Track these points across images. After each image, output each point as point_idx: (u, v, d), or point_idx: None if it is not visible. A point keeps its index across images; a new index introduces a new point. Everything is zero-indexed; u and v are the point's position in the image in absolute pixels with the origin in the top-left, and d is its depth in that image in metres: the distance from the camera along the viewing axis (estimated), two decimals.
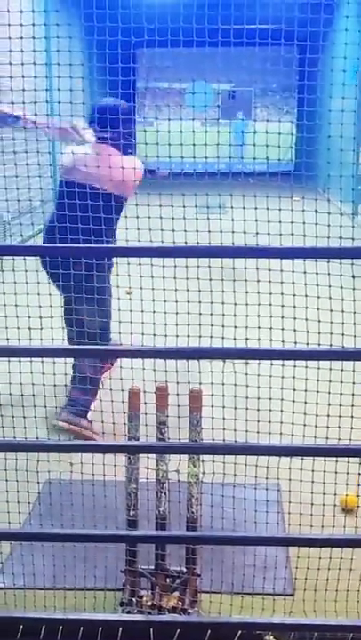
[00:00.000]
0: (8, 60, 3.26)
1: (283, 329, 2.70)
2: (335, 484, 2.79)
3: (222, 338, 2.73)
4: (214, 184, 3.21)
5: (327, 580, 2.82)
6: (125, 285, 3.29)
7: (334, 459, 2.75)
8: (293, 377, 2.80)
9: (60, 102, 3.86)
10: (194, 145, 3.26)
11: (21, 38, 3.27)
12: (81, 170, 4.15)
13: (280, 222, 2.77)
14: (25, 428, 3.12)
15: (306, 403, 2.78)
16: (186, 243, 2.62)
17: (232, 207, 2.93)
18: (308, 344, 2.63)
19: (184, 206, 2.95)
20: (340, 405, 2.75)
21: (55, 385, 3.35)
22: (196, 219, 3.03)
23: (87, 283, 3.57)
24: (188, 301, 2.75)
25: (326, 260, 2.55)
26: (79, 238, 3.36)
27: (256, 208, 2.83)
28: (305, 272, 2.69)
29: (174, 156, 3.47)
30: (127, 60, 4.05)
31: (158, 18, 3.27)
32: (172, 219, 2.91)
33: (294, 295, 2.74)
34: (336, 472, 2.76)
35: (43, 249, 3.78)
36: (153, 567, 2.91)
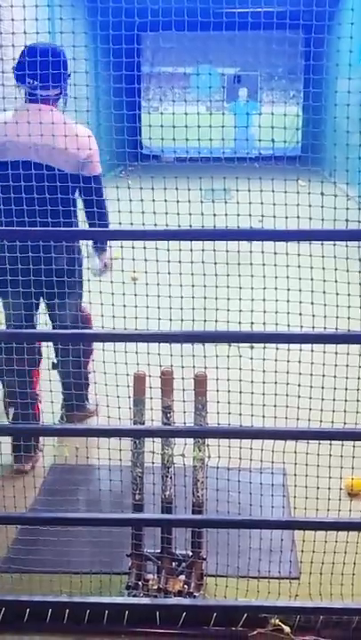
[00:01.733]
0: (11, 42, 3.23)
1: (288, 312, 2.69)
2: (341, 467, 2.78)
3: (227, 322, 2.71)
4: (219, 167, 3.19)
5: (333, 563, 2.82)
6: (130, 270, 3.27)
7: (340, 443, 2.74)
8: (299, 361, 2.79)
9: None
10: (198, 127, 3.23)
11: (24, 20, 3.23)
12: (21, 144, 3.31)
13: (286, 205, 2.75)
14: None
15: (312, 387, 2.76)
16: (191, 226, 2.61)
17: (237, 190, 2.91)
18: (313, 327, 2.62)
19: (189, 189, 2.93)
20: (346, 389, 2.74)
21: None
22: (201, 202, 3.01)
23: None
24: (193, 285, 2.73)
25: (332, 243, 2.54)
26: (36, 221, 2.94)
27: (261, 191, 2.80)
28: (311, 255, 2.67)
29: (179, 139, 3.44)
30: (131, 41, 4.01)
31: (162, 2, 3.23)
32: (177, 202, 2.88)
33: (300, 279, 2.72)
34: (342, 456, 2.76)
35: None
36: (159, 551, 2.92)
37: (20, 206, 3.01)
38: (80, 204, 3.75)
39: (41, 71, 3.29)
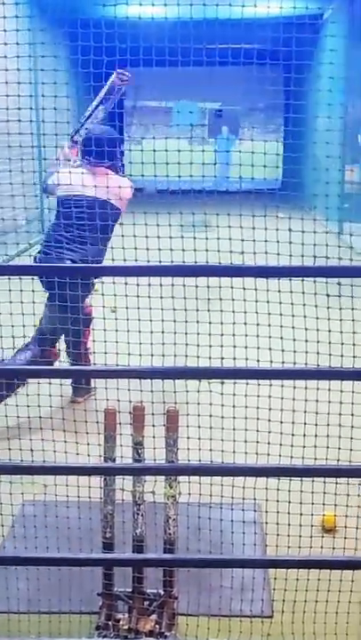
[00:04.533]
0: None
1: (258, 348, 2.69)
2: (312, 504, 2.76)
3: (197, 357, 2.71)
4: (200, 203, 3.21)
5: (305, 601, 2.78)
6: (108, 304, 3.28)
7: (311, 479, 2.72)
8: (270, 396, 2.78)
9: (43, 121, 3.87)
10: (179, 164, 3.26)
11: (5, 57, 3.27)
12: (89, 187, 4.61)
13: (266, 241, 2.77)
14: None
15: (282, 422, 2.76)
16: (172, 261, 2.62)
17: (218, 226, 2.94)
18: (283, 363, 2.61)
19: (170, 225, 2.95)
20: (316, 425, 2.73)
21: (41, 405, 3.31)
22: (182, 237, 3.02)
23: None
24: (163, 320, 2.73)
25: (313, 279, 2.55)
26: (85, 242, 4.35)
27: (241, 227, 2.82)
28: (279, 291, 2.68)
29: (160, 174, 3.47)
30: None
31: (143, 37, 3.29)
32: (158, 237, 2.90)
33: (269, 314, 2.73)
34: (313, 492, 2.74)
35: (36, 268, 4.15)
36: (130, 590, 2.87)
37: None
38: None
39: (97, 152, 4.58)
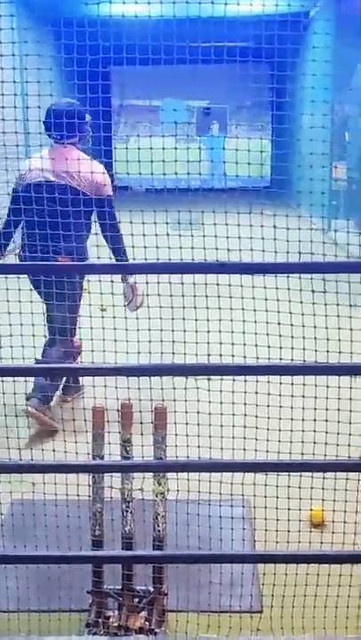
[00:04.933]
0: None
1: (244, 344, 2.70)
2: (300, 499, 2.78)
3: (184, 354, 2.72)
4: (187, 201, 3.22)
5: (294, 596, 2.80)
6: (96, 302, 3.29)
7: (298, 474, 2.74)
8: (256, 392, 2.80)
9: (27, 120, 3.89)
10: (163, 162, 3.27)
11: None
12: (54, 171, 4.39)
13: (251, 238, 2.78)
14: None
15: (269, 418, 2.77)
16: (158, 259, 2.62)
17: (203, 224, 2.95)
18: (269, 359, 2.63)
19: (155, 223, 2.96)
20: (303, 420, 2.75)
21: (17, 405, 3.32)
22: (168, 234, 3.03)
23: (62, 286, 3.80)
24: (149, 318, 2.74)
25: (298, 275, 2.57)
26: (59, 233, 3.78)
27: (227, 224, 2.84)
28: (265, 287, 2.69)
29: (146, 172, 3.47)
30: (100, 77, 4.07)
31: (127, 35, 3.30)
32: (143, 235, 2.91)
33: (255, 310, 2.74)
34: (300, 487, 2.76)
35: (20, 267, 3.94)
36: (119, 587, 2.88)
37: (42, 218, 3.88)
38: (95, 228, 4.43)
39: (60, 126, 4.36)
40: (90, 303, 3.51)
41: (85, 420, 2.82)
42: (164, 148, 3.34)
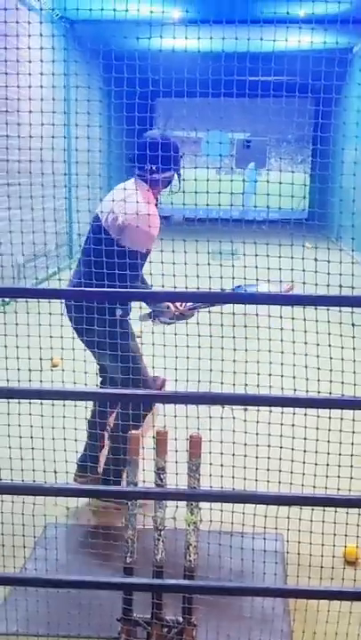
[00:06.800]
0: (28, 108, 3.36)
1: (282, 375, 2.69)
2: (334, 535, 2.74)
3: (221, 383, 2.72)
4: (227, 231, 3.25)
5: (325, 633, 2.75)
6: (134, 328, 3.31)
7: (333, 509, 2.71)
8: (293, 424, 2.78)
9: (77, 150, 3.96)
10: (208, 193, 3.30)
11: (41, 87, 3.36)
12: (106, 213, 3.87)
13: (292, 270, 2.79)
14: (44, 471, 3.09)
15: (305, 451, 2.75)
16: (198, 288, 2.65)
17: (244, 254, 2.97)
18: (307, 391, 2.62)
19: (197, 252, 2.99)
20: (340, 455, 2.72)
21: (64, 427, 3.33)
22: (209, 264, 3.06)
23: (107, 334, 3.41)
24: (188, 346, 2.75)
25: (338, 308, 2.56)
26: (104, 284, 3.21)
27: (268, 255, 2.85)
28: (305, 319, 2.69)
29: (189, 203, 3.51)
30: (145, 109, 4.13)
31: (176, 69, 3.35)
32: (185, 264, 2.94)
33: (294, 342, 2.74)
34: (335, 523, 2.72)
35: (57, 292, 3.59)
36: (149, 616, 2.86)
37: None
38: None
39: (149, 159, 3.79)
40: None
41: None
42: (208, 180, 3.38)
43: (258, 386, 2.71)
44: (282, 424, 2.82)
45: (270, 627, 2.89)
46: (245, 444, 2.79)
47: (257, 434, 2.78)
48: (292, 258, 2.82)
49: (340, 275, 2.69)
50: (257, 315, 2.76)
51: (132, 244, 3.71)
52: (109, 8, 3.19)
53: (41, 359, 3.11)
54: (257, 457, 2.75)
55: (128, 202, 3.60)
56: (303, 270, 2.80)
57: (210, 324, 2.80)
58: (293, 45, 3.30)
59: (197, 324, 2.79)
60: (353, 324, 2.71)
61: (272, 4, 3.17)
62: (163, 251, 3.13)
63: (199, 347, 2.77)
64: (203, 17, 3.24)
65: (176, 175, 3.99)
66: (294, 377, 2.67)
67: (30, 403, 2.86)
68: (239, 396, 2.69)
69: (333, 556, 2.88)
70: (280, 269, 2.83)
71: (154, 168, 3.82)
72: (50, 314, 3.23)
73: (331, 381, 2.72)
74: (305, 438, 2.79)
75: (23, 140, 3.57)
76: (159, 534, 2.86)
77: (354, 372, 2.76)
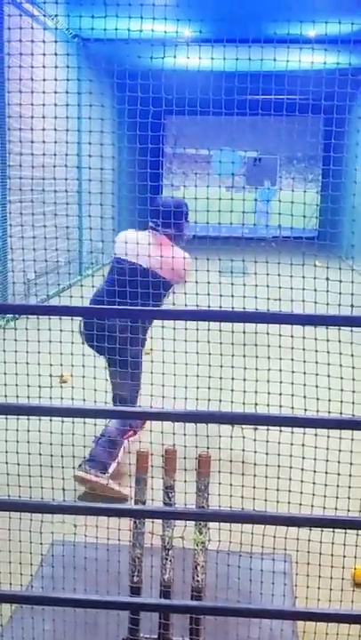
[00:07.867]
0: (42, 126, 3.39)
1: (293, 395, 2.68)
2: (343, 556, 2.72)
3: (231, 402, 2.71)
4: (238, 249, 3.25)
5: None
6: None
7: (343, 531, 2.68)
8: (303, 444, 2.76)
9: (90, 168, 3.98)
10: (220, 211, 3.31)
11: (55, 105, 3.39)
12: (143, 254, 4.23)
13: (303, 289, 2.79)
14: (42, 487, 3.08)
15: (315, 472, 2.73)
16: (209, 307, 2.64)
17: (256, 273, 2.96)
18: (317, 411, 2.60)
19: (208, 270, 2.99)
20: (351, 475, 2.70)
21: (74, 445, 3.32)
22: (220, 283, 3.06)
23: (124, 353, 3.66)
24: (198, 364, 2.74)
25: (350, 328, 2.55)
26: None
27: (279, 275, 2.85)
28: (315, 339, 2.68)
29: (200, 220, 3.52)
30: (156, 128, 4.16)
31: (188, 88, 3.37)
32: (196, 282, 2.94)
33: (305, 361, 2.73)
34: (344, 544, 2.69)
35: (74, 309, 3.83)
36: (156, 636, 2.83)
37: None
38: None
39: (163, 218, 4.38)
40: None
41: (129, 464, 2.81)
42: (220, 199, 3.38)
43: (268, 405, 2.69)
44: (292, 444, 2.80)
45: None
46: (255, 464, 2.76)
47: (267, 453, 2.76)
48: (303, 277, 2.82)
49: (352, 294, 2.68)
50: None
51: (178, 278, 4.19)
52: (124, 27, 3.22)
53: (50, 375, 3.10)
54: (266, 477, 2.73)
55: (176, 258, 4.08)
56: (315, 290, 2.80)
57: (220, 343, 2.79)
58: (306, 65, 3.31)
59: (208, 342, 2.78)
60: (352, 343, 2.70)
61: (285, 24, 3.19)
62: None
63: (209, 365, 2.76)
64: (216, 37, 3.26)
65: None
66: (305, 396, 2.66)
67: (40, 419, 2.85)
68: (249, 415, 2.68)
69: (343, 578, 2.84)
70: (291, 289, 2.83)
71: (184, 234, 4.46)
72: (60, 330, 3.23)
73: (341, 401, 2.71)
74: (315, 459, 2.76)
75: (36, 157, 3.60)
76: (167, 553, 2.83)
77: None
